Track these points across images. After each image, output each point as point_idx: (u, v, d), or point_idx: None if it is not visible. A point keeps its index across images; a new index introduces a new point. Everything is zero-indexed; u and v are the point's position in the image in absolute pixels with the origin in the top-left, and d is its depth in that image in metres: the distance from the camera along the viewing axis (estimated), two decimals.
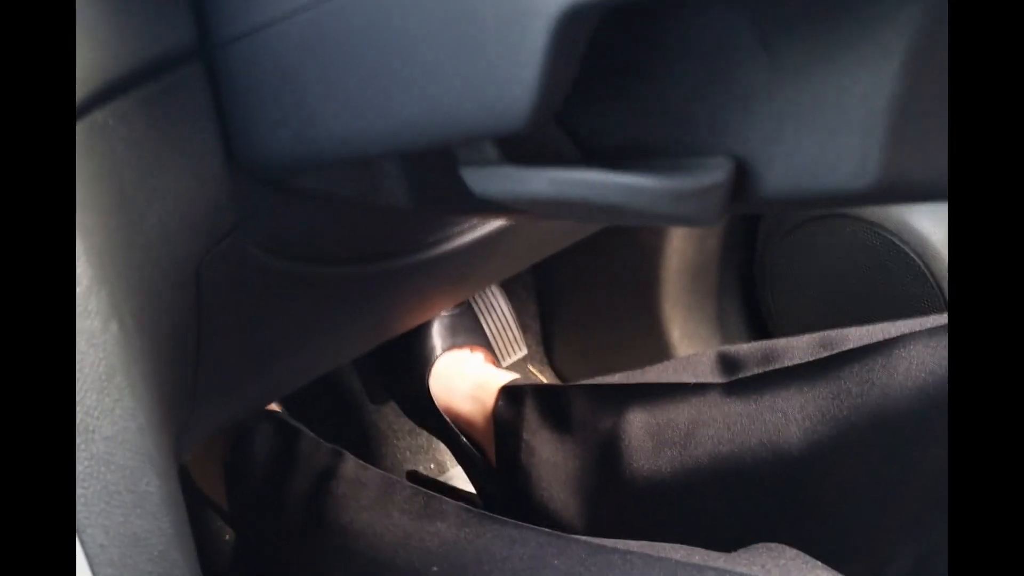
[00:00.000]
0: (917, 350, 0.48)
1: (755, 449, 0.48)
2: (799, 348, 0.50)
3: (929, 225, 0.69)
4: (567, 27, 0.19)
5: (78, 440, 0.23)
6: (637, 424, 0.54)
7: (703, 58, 0.22)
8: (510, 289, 0.92)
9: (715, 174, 0.23)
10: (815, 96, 0.21)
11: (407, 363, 0.75)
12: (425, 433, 0.93)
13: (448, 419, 0.71)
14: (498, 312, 0.87)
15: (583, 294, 0.85)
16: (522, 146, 0.26)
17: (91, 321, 0.24)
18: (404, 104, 0.24)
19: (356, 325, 0.50)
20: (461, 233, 0.49)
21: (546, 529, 0.41)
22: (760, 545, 0.41)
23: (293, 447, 0.64)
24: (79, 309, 0.23)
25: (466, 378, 0.72)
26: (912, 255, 0.70)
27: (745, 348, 0.52)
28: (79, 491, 0.23)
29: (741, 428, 0.49)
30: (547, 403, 0.61)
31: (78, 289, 0.23)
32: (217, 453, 0.72)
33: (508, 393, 0.65)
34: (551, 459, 0.58)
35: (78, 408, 0.23)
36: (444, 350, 0.74)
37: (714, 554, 0.40)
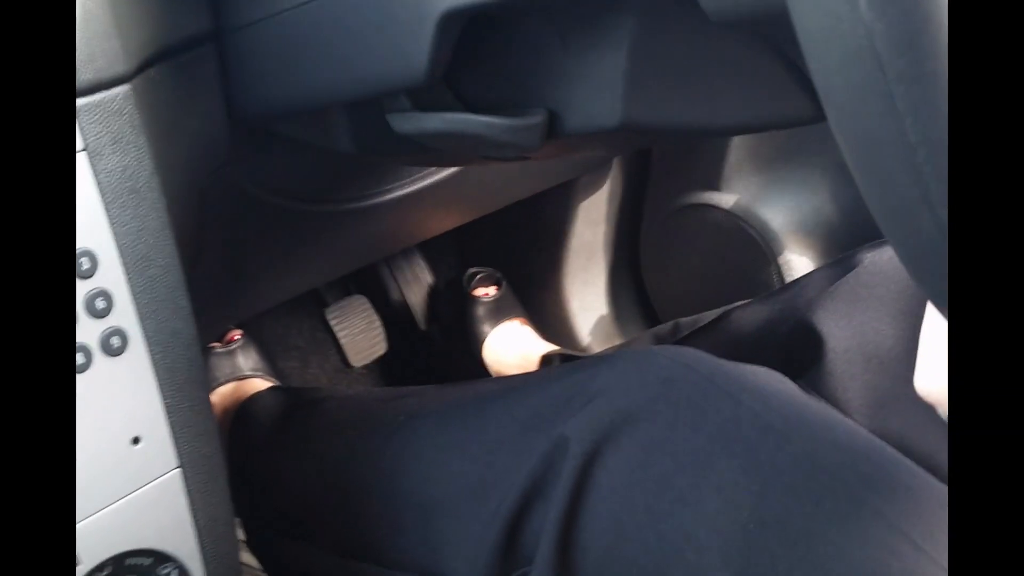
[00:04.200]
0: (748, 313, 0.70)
1: None
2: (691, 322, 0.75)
3: (769, 213, 0.87)
4: (444, 25, 0.35)
5: None
6: None
7: (529, 48, 0.38)
8: (436, 267, 1.08)
9: (535, 118, 0.38)
10: (586, 71, 0.37)
11: (463, 342, 0.95)
12: None
13: None
14: (422, 283, 1.03)
15: (501, 268, 1.01)
16: (427, 101, 0.41)
17: None
18: (353, 69, 0.39)
19: (324, 254, 0.65)
20: (401, 187, 0.65)
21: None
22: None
23: (297, 397, 0.75)
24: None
25: (511, 350, 0.93)
26: (756, 237, 0.88)
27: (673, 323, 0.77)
28: None
29: None
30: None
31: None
32: (224, 428, 0.81)
33: (544, 361, 0.86)
34: None
35: None
36: (491, 329, 0.95)
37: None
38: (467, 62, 0.40)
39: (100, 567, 0.39)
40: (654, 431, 0.41)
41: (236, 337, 0.88)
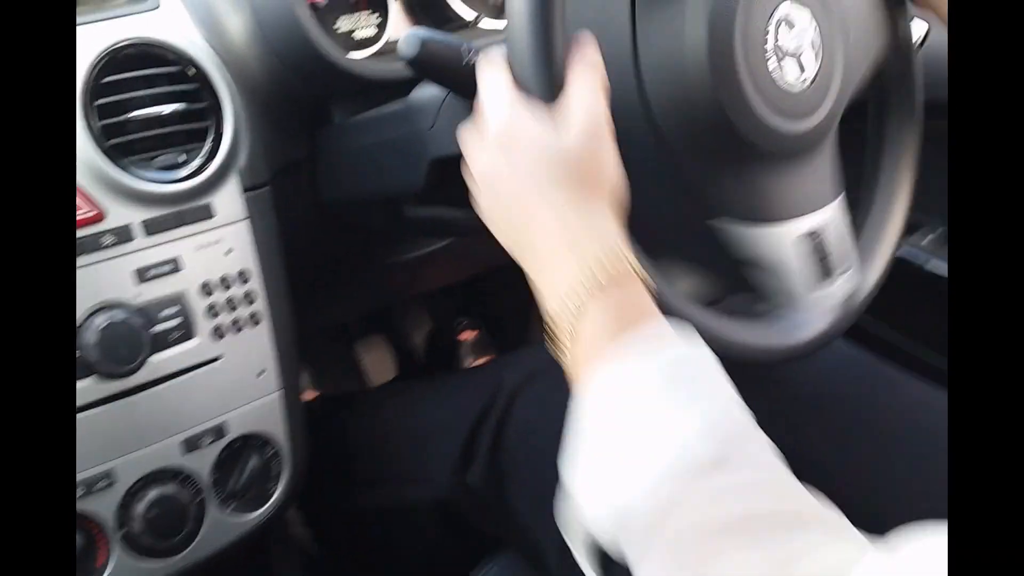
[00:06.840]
0: None
1: None
2: None
3: None
4: (432, 164, 0.70)
5: None
6: None
7: None
8: (435, 315, 1.42)
9: None
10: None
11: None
12: None
13: None
14: (424, 327, 1.38)
15: (484, 318, 1.36)
16: (425, 200, 0.76)
17: None
18: (383, 183, 0.75)
19: (363, 295, 1.03)
20: (418, 249, 1.00)
21: None
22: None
23: (336, 398, 1.11)
24: None
25: None
26: None
27: None
28: None
29: None
30: None
31: None
32: None
33: None
34: None
35: None
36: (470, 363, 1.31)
37: None
38: (450, 178, 0.76)
39: (235, 440, 0.73)
40: (544, 385, 0.76)
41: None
